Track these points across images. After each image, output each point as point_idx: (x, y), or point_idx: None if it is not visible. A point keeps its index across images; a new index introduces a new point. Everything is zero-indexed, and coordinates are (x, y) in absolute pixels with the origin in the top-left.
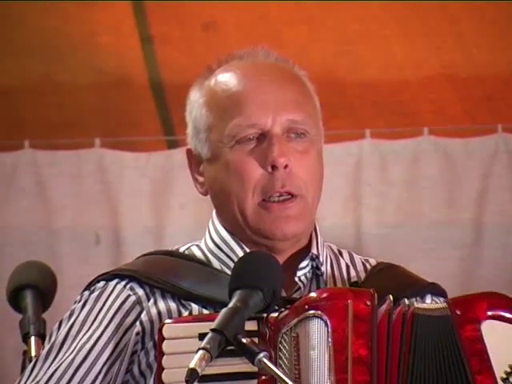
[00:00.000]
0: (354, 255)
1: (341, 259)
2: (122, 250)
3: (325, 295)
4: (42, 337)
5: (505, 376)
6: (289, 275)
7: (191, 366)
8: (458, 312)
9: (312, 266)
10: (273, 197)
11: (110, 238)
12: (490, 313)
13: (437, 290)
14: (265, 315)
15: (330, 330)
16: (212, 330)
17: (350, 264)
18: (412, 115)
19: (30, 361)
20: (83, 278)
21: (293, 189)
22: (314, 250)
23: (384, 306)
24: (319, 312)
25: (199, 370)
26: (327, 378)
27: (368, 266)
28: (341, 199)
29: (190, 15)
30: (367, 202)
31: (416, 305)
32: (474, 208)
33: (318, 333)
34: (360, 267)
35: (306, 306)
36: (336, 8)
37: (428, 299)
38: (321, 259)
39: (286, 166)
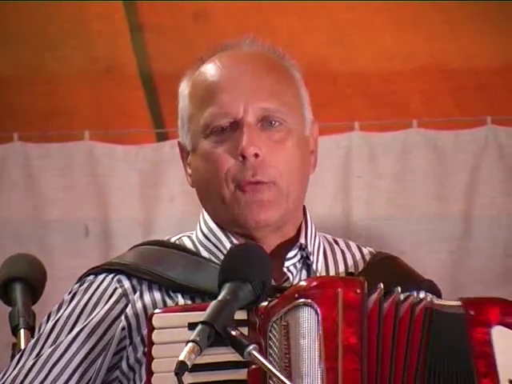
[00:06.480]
0: (350, 242)
1: (335, 247)
2: (112, 242)
3: (315, 283)
4: (31, 329)
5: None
6: (277, 265)
7: (180, 358)
8: (472, 312)
9: (302, 255)
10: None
11: (99, 230)
12: (501, 318)
13: (433, 289)
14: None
15: (320, 318)
16: (202, 322)
17: (346, 250)
18: (403, 105)
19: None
20: (73, 270)
21: (264, 177)
22: (302, 240)
23: (375, 295)
24: (309, 300)
25: (188, 363)
26: (318, 366)
27: (364, 253)
28: (330, 191)
29: (181, 4)
30: (357, 194)
31: (429, 299)
32: (464, 200)
33: (308, 321)
34: (357, 255)
35: (296, 295)
36: None
37: (422, 295)
38: (309, 249)
39: (256, 156)
